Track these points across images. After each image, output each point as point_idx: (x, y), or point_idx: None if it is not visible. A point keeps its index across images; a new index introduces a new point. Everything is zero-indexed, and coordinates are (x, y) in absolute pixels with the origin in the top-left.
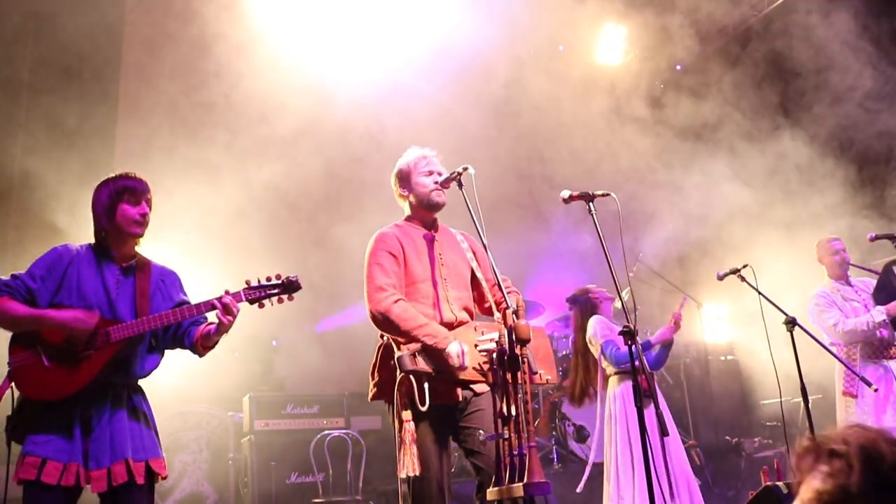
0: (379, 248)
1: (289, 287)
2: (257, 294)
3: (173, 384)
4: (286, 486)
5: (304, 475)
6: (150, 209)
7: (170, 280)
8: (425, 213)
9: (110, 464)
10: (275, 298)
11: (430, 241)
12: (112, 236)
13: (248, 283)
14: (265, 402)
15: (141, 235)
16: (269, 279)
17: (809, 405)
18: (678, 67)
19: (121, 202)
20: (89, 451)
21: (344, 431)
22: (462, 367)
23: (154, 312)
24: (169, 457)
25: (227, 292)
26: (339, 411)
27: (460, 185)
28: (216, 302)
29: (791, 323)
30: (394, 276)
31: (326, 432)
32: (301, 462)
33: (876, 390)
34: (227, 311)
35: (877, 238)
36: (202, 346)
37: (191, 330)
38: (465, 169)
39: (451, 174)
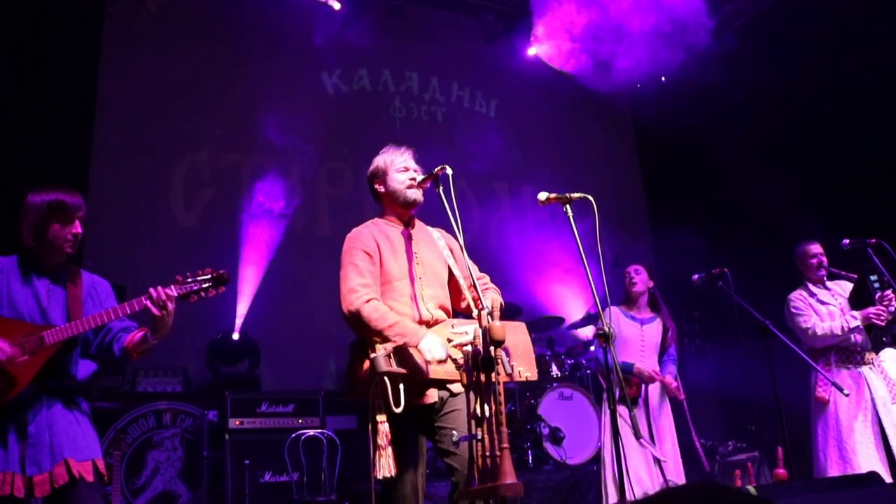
0: (354, 247)
1: (218, 280)
2: (188, 288)
3: (148, 382)
4: (260, 484)
5: (279, 474)
6: (84, 227)
7: (101, 288)
8: (401, 210)
9: (51, 467)
10: (206, 292)
11: (407, 238)
12: (42, 250)
13: (178, 278)
14: (240, 401)
15: (73, 254)
16: (198, 273)
17: (782, 410)
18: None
19: (52, 221)
20: (27, 457)
21: (319, 431)
22: (441, 360)
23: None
24: (142, 455)
25: (157, 288)
26: (315, 410)
27: (438, 184)
28: (146, 301)
29: (765, 329)
30: (369, 275)
31: (301, 431)
32: (275, 461)
33: (848, 395)
34: (162, 305)
35: (850, 245)
36: (136, 351)
37: (121, 336)
38: (443, 168)
39: (429, 174)
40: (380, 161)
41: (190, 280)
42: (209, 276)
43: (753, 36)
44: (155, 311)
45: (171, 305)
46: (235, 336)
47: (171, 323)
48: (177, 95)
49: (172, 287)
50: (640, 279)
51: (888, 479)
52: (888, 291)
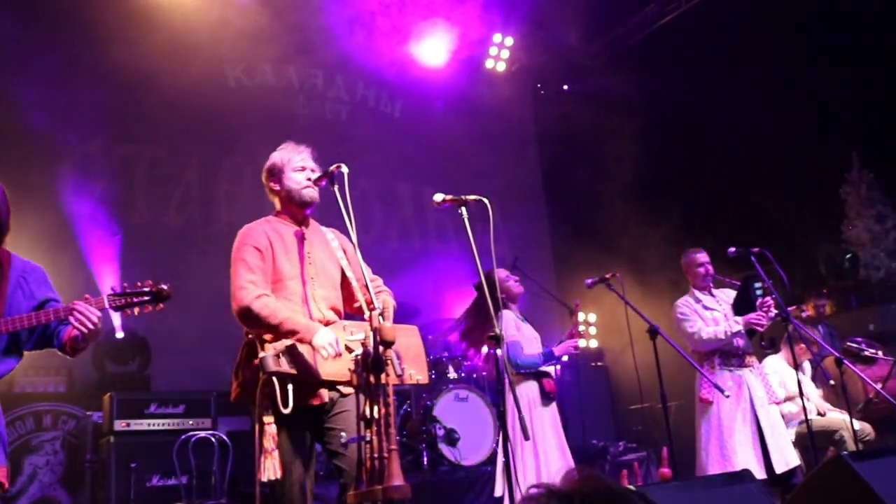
0: (245, 244)
1: (158, 296)
2: (122, 301)
3: (27, 381)
4: (147, 489)
5: (167, 478)
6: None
7: (33, 276)
8: (296, 209)
9: None
10: (142, 307)
11: (300, 238)
12: None
13: (113, 289)
14: (127, 401)
15: None
16: (137, 286)
17: (668, 411)
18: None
19: None
20: None
21: (210, 432)
22: (337, 355)
23: (13, 312)
24: (18, 460)
25: (86, 298)
26: (206, 411)
27: (333, 182)
28: (70, 315)
29: (653, 331)
30: (259, 271)
31: (191, 433)
32: (164, 464)
33: (728, 396)
34: (81, 322)
35: (736, 253)
36: (71, 347)
37: (60, 330)
38: (339, 167)
39: (325, 172)
40: (277, 158)
41: (127, 292)
42: (149, 290)
43: (653, 48)
44: (77, 327)
45: (94, 321)
46: (119, 334)
47: (99, 330)
48: (67, 81)
49: (105, 298)
50: (516, 280)
51: (763, 475)
52: (768, 298)
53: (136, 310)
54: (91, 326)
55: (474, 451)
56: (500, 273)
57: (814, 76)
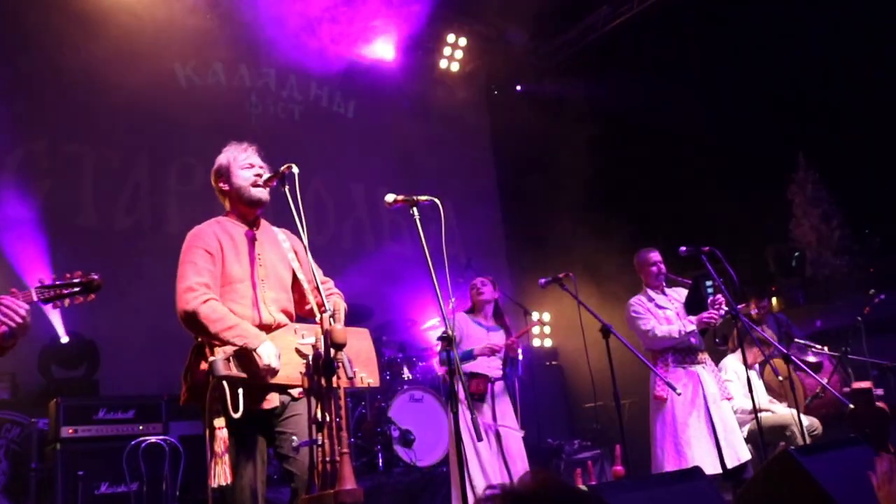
0: (194, 245)
1: (88, 287)
2: (51, 293)
3: None
4: (95, 497)
5: (116, 485)
6: None
7: None
8: (246, 209)
9: None
10: (72, 298)
11: (251, 240)
12: None
13: (41, 281)
14: (74, 407)
15: None
16: (67, 277)
17: (622, 409)
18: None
19: None
20: None
21: (161, 438)
22: (273, 372)
23: None
24: None
25: (12, 291)
26: (157, 416)
27: (283, 183)
28: None
29: (606, 330)
30: (207, 274)
31: (142, 438)
32: (113, 471)
33: (680, 394)
34: (8, 316)
35: (687, 252)
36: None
37: None
38: (290, 167)
39: (275, 172)
40: (223, 159)
41: (56, 284)
42: (78, 282)
43: (605, 50)
44: (4, 321)
45: (21, 314)
46: (64, 339)
47: (28, 325)
48: (12, 77)
49: (33, 291)
50: (487, 290)
51: (718, 469)
52: (718, 296)
53: (67, 301)
54: (18, 320)
55: (430, 453)
56: (474, 281)
57: (761, 79)
